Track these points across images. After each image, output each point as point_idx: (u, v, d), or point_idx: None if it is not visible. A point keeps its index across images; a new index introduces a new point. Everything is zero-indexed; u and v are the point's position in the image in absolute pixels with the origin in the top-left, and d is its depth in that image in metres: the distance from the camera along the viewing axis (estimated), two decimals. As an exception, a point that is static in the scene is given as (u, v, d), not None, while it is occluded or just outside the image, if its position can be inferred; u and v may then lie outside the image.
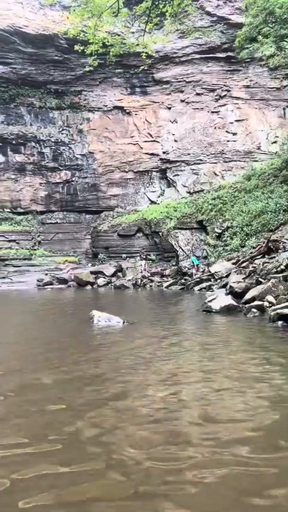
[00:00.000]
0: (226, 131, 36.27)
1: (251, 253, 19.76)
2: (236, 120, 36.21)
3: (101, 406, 4.60)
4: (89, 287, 26.07)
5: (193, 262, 25.57)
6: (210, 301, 12.44)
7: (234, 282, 14.76)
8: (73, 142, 37.01)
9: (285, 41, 22.51)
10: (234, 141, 36.11)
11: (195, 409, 4.44)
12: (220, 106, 36.25)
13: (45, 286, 26.69)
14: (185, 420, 4.13)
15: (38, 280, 27.69)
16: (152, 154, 36.83)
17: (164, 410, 4.40)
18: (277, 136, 35.58)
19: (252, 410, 4.31)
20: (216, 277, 20.09)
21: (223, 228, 26.37)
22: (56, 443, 3.63)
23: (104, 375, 5.98)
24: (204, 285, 20.28)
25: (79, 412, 4.39)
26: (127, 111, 36.62)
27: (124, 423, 4.07)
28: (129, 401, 4.80)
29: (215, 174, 35.96)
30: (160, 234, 30.29)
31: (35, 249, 35.24)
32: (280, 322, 9.49)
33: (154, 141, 36.70)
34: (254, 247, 20.67)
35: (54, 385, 5.55)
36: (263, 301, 11.72)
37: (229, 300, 12.45)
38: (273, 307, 10.55)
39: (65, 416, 4.33)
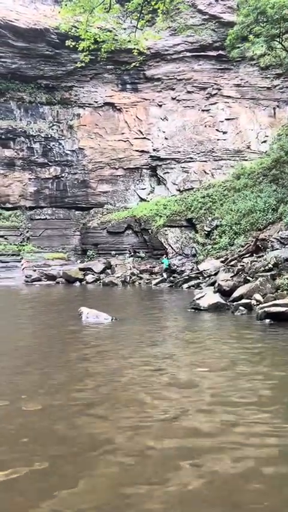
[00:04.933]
0: (216, 130, 36.34)
1: (240, 251, 19.91)
2: (226, 119, 36.29)
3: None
4: (77, 284, 26.00)
5: (165, 264, 25.34)
6: (199, 298, 12.50)
7: (222, 280, 14.85)
8: (63, 138, 36.80)
9: (276, 41, 22.61)
10: (224, 139, 36.21)
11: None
12: (211, 104, 36.28)
13: (34, 283, 26.54)
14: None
15: (26, 276, 27.52)
16: (142, 151, 36.76)
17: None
18: (267, 136, 35.77)
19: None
20: (204, 275, 20.19)
21: (212, 226, 26.49)
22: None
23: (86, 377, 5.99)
24: (192, 282, 20.36)
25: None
26: (118, 107, 36.50)
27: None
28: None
29: (205, 172, 36.05)
30: (149, 231, 30.29)
31: (23, 245, 34.98)
32: (267, 320, 9.60)
33: (144, 138, 36.64)
34: (242, 246, 20.81)
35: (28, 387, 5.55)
36: (251, 299, 11.84)
37: (217, 298, 12.54)
38: (260, 306, 10.67)
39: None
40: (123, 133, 36.71)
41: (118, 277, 26.02)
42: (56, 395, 4.91)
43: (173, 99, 36.27)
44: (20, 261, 31.51)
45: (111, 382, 5.43)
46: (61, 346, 8.06)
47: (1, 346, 8.22)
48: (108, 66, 34.42)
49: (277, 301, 10.28)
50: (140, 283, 24.86)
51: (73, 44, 16.43)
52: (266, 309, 9.83)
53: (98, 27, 21.12)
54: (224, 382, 5.27)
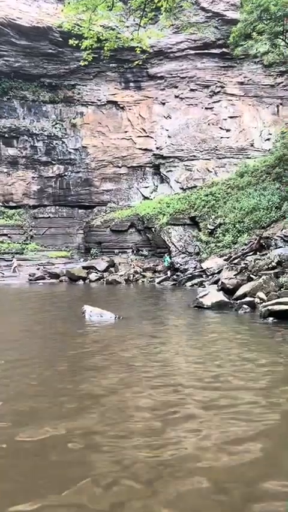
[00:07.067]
0: (220, 128, 36.27)
1: (243, 249, 19.85)
2: (229, 117, 36.22)
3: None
4: (81, 282, 26.02)
5: (167, 262, 25.85)
6: (202, 297, 12.50)
7: (225, 278, 14.82)
8: (66, 136, 36.82)
9: (280, 38, 22.53)
10: (228, 137, 36.13)
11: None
12: (214, 102, 36.22)
13: (37, 281, 26.56)
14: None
15: (29, 275, 27.55)
16: (145, 149, 36.75)
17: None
18: (270, 134, 35.68)
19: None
20: (208, 273, 20.16)
21: (215, 225, 26.42)
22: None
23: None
24: (196, 281, 20.36)
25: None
26: (121, 105, 36.48)
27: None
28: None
29: (208, 170, 35.99)
30: (153, 229, 30.27)
31: (27, 244, 35.07)
32: (270, 319, 9.59)
33: (148, 136, 36.62)
34: (245, 244, 20.74)
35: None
36: (254, 297, 11.81)
37: (220, 296, 12.52)
38: (264, 304, 10.64)
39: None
40: (126, 132, 36.71)
41: (121, 275, 26.01)
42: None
43: (176, 97, 36.23)
44: (24, 260, 31.56)
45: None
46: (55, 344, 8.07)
47: None
48: (111, 65, 34.40)
49: (280, 300, 10.25)
50: (143, 281, 24.86)
51: (76, 42, 16.39)
52: (269, 307, 9.82)
53: (101, 26, 21.14)
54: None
